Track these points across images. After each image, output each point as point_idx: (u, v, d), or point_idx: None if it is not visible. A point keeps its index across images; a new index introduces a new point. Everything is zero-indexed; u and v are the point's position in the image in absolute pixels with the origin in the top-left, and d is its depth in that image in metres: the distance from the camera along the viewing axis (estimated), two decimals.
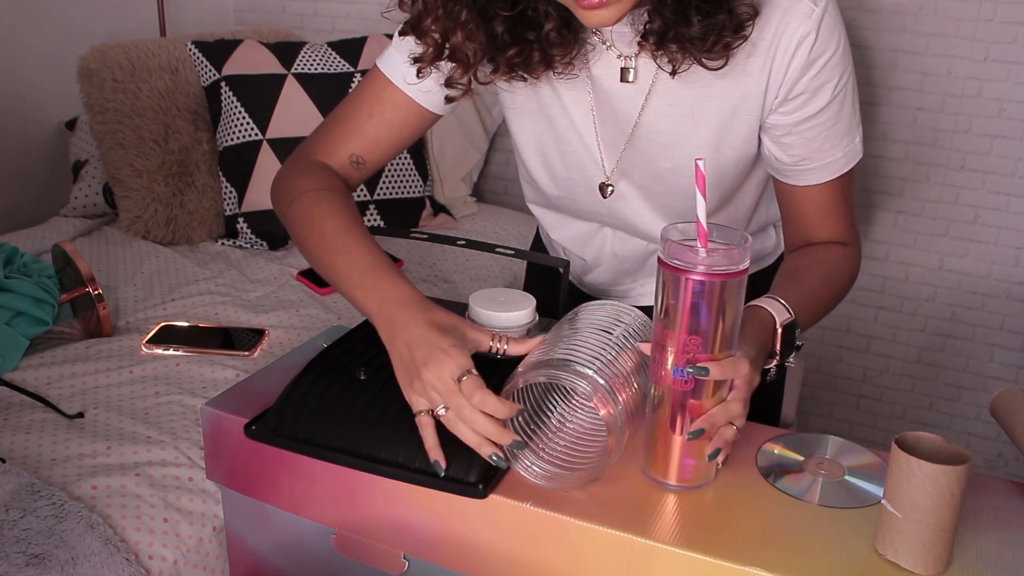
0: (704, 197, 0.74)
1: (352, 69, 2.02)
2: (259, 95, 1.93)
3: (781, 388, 1.31)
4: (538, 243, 1.28)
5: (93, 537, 0.95)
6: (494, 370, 0.82)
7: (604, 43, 0.93)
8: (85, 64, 1.89)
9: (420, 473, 0.80)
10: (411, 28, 0.92)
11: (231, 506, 0.96)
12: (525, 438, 0.79)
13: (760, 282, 1.07)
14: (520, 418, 0.80)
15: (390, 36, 1.02)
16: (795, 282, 0.95)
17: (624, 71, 0.93)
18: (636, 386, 0.78)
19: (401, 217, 2.04)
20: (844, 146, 0.95)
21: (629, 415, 0.76)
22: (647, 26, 0.87)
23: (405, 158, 2.05)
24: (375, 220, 2.00)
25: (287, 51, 2.00)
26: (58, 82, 2.10)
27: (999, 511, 0.78)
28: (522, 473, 0.79)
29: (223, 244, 1.91)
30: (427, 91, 1.00)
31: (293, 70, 1.97)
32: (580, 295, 1.20)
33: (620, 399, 0.75)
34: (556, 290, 1.03)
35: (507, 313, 0.90)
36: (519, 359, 0.83)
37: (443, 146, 2.20)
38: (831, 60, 0.89)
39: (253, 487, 0.90)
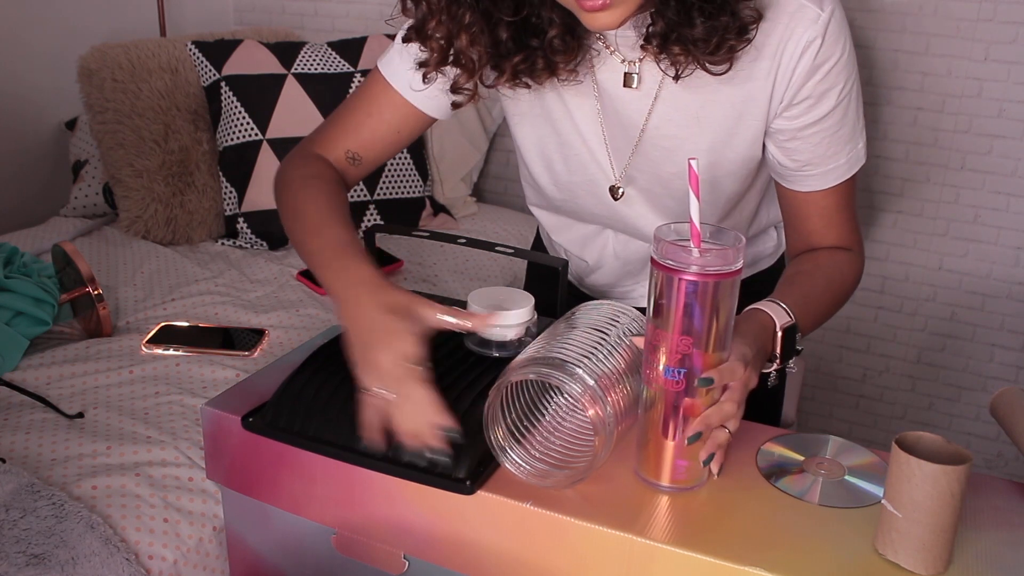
0: (697, 197, 0.73)
1: (352, 69, 2.02)
2: (259, 95, 1.93)
3: (781, 388, 1.30)
4: (538, 244, 1.28)
5: (93, 537, 0.95)
6: (489, 369, 0.81)
7: (608, 48, 0.93)
8: (85, 64, 1.89)
9: (411, 468, 0.80)
10: (415, 32, 0.91)
11: (231, 506, 0.96)
12: (519, 435, 0.79)
13: (761, 283, 1.07)
14: (513, 414, 0.79)
15: (390, 37, 1.02)
16: (797, 286, 0.95)
17: (628, 76, 0.93)
18: (629, 387, 0.78)
19: (401, 217, 2.04)
20: (848, 151, 0.95)
21: (620, 416, 0.76)
22: (650, 28, 0.86)
23: (405, 158, 2.05)
24: (375, 220, 2.00)
25: (287, 51, 2.00)
26: (58, 82, 2.10)
27: (999, 511, 0.78)
28: (512, 470, 0.78)
29: (223, 244, 1.91)
30: (428, 96, 1.00)
31: (293, 70, 1.97)
32: (580, 296, 1.20)
33: (609, 399, 0.74)
34: (556, 289, 1.02)
35: (506, 312, 0.90)
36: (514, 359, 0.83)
37: (443, 146, 2.20)
38: (837, 65, 0.89)
39: (253, 487, 0.90)
